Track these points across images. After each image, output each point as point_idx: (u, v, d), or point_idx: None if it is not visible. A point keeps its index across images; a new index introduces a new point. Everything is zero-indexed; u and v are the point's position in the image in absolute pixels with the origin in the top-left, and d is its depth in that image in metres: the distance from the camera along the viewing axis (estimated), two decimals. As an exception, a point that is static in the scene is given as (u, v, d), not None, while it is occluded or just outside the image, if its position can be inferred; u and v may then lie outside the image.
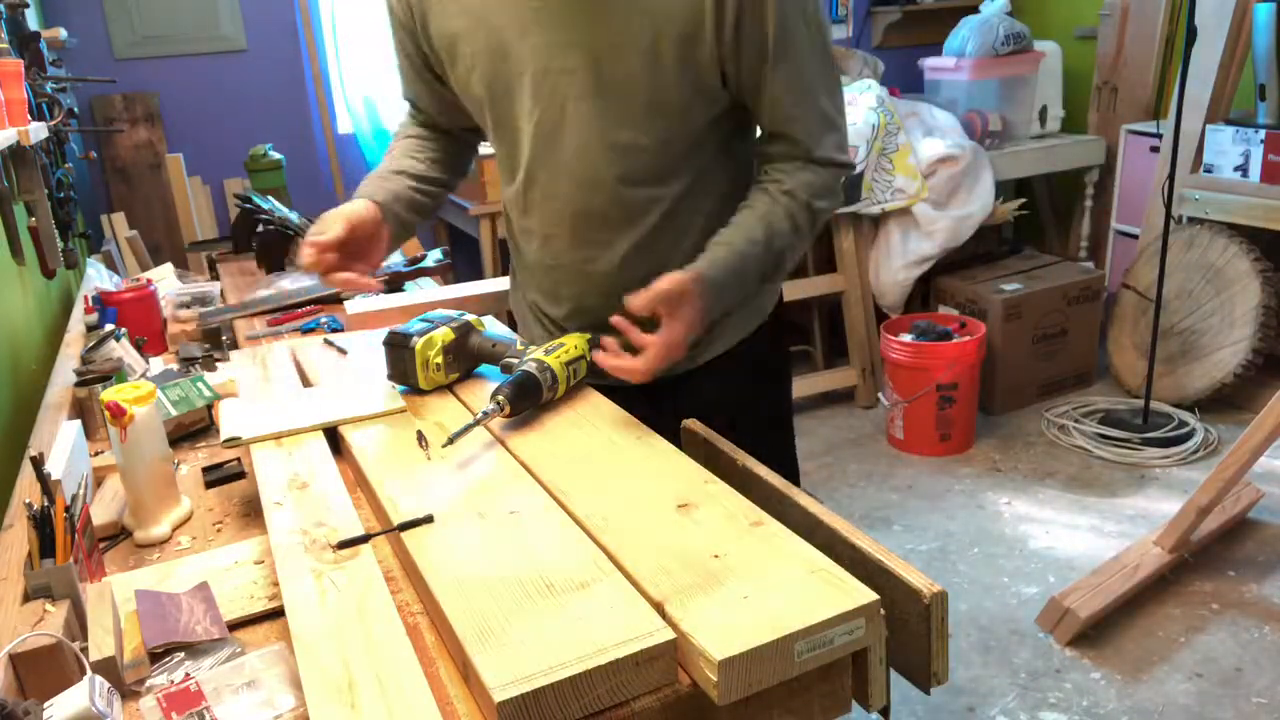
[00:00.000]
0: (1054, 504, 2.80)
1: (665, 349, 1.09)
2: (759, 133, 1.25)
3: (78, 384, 1.40)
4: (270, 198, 2.40)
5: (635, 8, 1.09)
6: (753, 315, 1.35)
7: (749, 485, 1.01)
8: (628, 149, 1.17)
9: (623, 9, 1.09)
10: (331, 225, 1.18)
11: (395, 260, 2.15)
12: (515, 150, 1.24)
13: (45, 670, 0.78)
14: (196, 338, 1.78)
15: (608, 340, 1.14)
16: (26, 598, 0.88)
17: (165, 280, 2.16)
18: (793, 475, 1.44)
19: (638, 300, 1.08)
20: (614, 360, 1.11)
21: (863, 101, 3.29)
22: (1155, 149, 3.49)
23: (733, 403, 1.33)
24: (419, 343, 1.25)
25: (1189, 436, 3.06)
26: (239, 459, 1.24)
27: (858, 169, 3.22)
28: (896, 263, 3.38)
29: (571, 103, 1.15)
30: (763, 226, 1.15)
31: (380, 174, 1.33)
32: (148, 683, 0.82)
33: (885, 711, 0.83)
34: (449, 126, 1.40)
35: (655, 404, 1.28)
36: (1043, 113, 3.76)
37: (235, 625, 0.90)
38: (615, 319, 1.11)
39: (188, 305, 1.92)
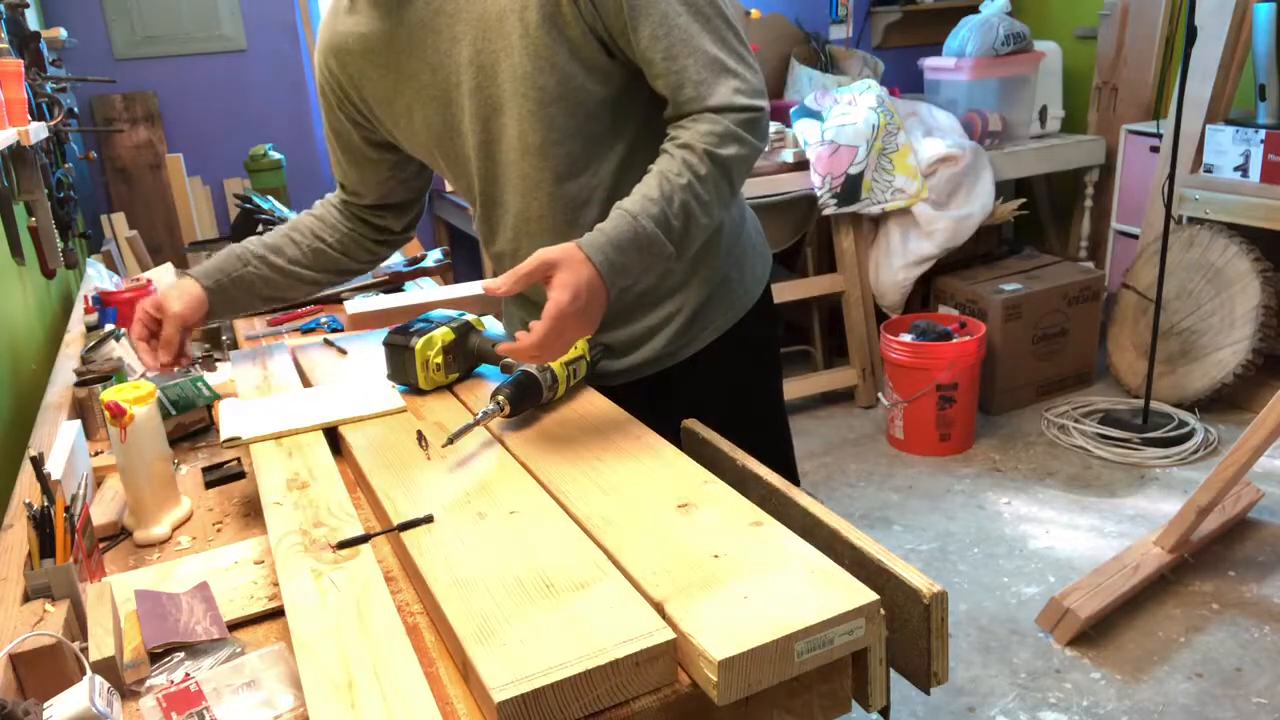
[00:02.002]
0: (1054, 504, 2.80)
1: (554, 320, 1.02)
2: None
3: (78, 384, 1.40)
4: (270, 198, 2.40)
5: (494, 6, 1.12)
6: (738, 301, 1.33)
7: (749, 485, 1.01)
8: (548, 145, 1.17)
9: (492, 12, 1.12)
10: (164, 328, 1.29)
11: (395, 260, 2.15)
12: (469, 182, 1.27)
13: (45, 670, 0.78)
14: (196, 338, 1.78)
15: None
16: (26, 598, 0.88)
17: (165, 280, 2.16)
18: (789, 465, 1.45)
19: (492, 282, 1.05)
20: (508, 345, 1.06)
21: (863, 101, 3.29)
22: (1155, 149, 3.49)
23: (727, 390, 1.34)
24: (419, 343, 1.25)
25: (1189, 436, 3.06)
26: (239, 459, 1.24)
27: (856, 169, 3.22)
28: (896, 263, 3.38)
29: (494, 116, 1.18)
30: (657, 182, 1.10)
31: (235, 253, 1.36)
32: (148, 683, 0.82)
33: (885, 711, 0.83)
34: (371, 201, 1.42)
35: (650, 400, 1.28)
36: (1043, 113, 3.76)
37: (235, 625, 0.90)
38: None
39: (188, 305, 1.91)
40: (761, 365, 1.41)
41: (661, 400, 1.30)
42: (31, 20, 2.20)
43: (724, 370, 1.34)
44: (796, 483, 1.44)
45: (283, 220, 2.21)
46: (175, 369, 1.31)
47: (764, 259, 1.41)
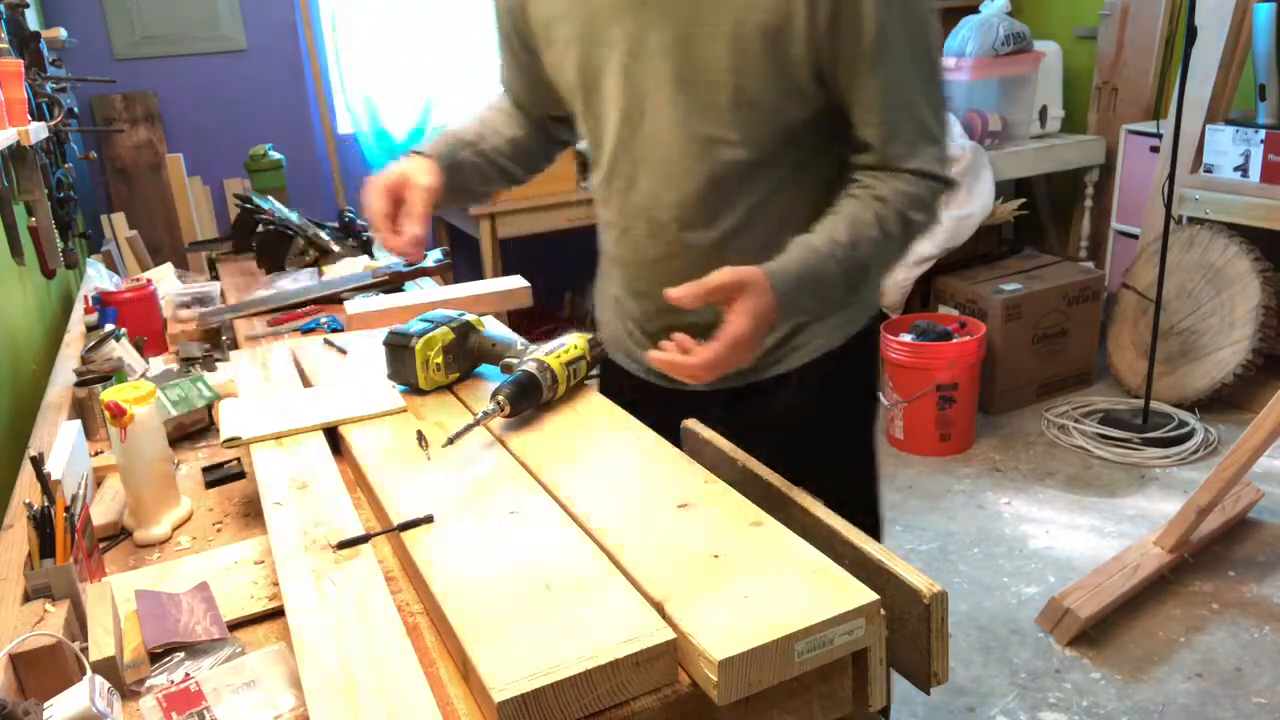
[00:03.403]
0: (1054, 504, 2.80)
1: (728, 346, 0.96)
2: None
3: (78, 384, 1.40)
4: (270, 198, 2.40)
5: None
6: (841, 327, 1.24)
7: (749, 485, 1.01)
8: (710, 144, 1.11)
9: None
10: (374, 198, 1.16)
11: (395, 260, 2.15)
12: (600, 139, 1.20)
13: (45, 670, 0.78)
14: (196, 338, 1.78)
15: (666, 342, 1.01)
16: (26, 598, 0.88)
17: (165, 280, 2.16)
18: (872, 524, 1.33)
19: (678, 292, 0.97)
20: (668, 357, 0.98)
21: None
22: (1155, 149, 3.49)
23: (814, 419, 1.24)
24: (419, 343, 1.25)
25: (1189, 436, 3.06)
26: (239, 459, 1.24)
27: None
28: (896, 263, 3.38)
29: (653, 93, 1.10)
30: (847, 227, 1.06)
31: (450, 137, 1.28)
32: (148, 683, 0.82)
33: (885, 711, 0.83)
34: (537, 113, 1.35)
35: (729, 412, 1.20)
36: (1043, 113, 3.76)
37: (235, 625, 0.90)
38: (676, 337, 1.00)
39: (188, 305, 1.92)
40: (855, 397, 1.31)
41: (738, 417, 1.20)
42: (31, 20, 2.20)
43: (811, 399, 1.24)
44: (878, 530, 1.36)
45: (283, 220, 2.22)
46: (422, 254, 1.19)
47: (874, 286, 1.31)
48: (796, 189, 1.14)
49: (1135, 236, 3.61)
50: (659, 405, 1.21)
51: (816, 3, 1.00)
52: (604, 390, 1.27)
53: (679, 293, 0.97)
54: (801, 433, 1.21)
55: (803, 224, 1.09)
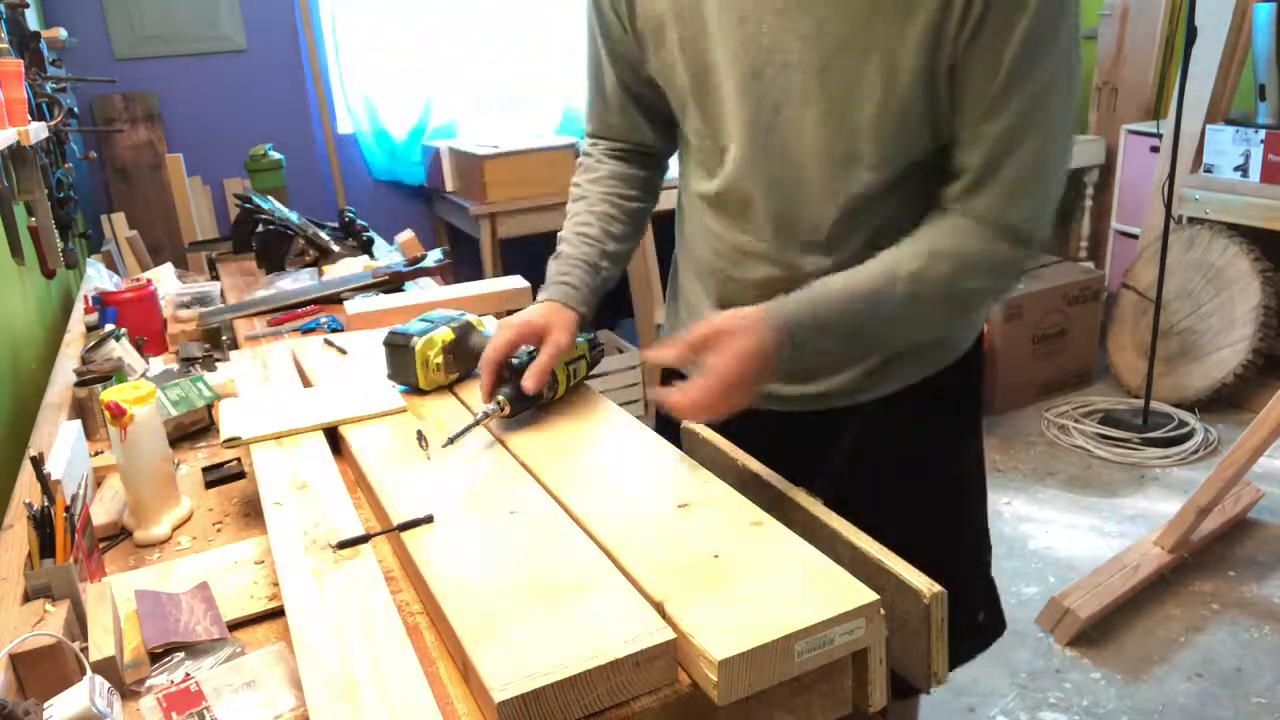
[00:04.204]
0: (1054, 504, 2.80)
1: (715, 386, 0.93)
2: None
3: (78, 384, 1.40)
4: (270, 198, 2.40)
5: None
6: (938, 352, 1.16)
7: (749, 485, 1.01)
8: (848, 164, 1.01)
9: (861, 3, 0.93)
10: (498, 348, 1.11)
11: (395, 260, 2.15)
12: (718, 151, 1.11)
13: (45, 670, 0.78)
14: (196, 338, 1.78)
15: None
16: (26, 598, 0.88)
17: (165, 280, 2.16)
18: (981, 545, 1.27)
19: (658, 353, 0.98)
20: (662, 391, 0.97)
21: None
22: (1155, 149, 3.49)
23: (911, 445, 1.17)
24: (419, 343, 1.25)
25: (1189, 436, 3.06)
26: (239, 459, 1.24)
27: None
28: (896, 263, 3.38)
29: (786, 106, 1.01)
30: (869, 289, 0.98)
31: (585, 258, 1.19)
32: (148, 683, 0.82)
33: (885, 712, 0.83)
34: (643, 147, 1.25)
35: (824, 435, 1.16)
36: (1043, 113, 3.75)
37: (235, 625, 0.90)
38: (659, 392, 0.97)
39: (188, 305, 1.92)
40: (955, 428, 1.24)
41: (826, 445, 1.16)
42: (31, 20, 2.20)
43: (907, 419, 1.16)
44: (987, 558, 1.35)
45: (283, 220, 2.21)
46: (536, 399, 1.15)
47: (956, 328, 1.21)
48: (909, 214, 1.04)
49: (1135, 236, 3.61)
50: (737, 422, 1.14)
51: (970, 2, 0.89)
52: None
53: (659, 354, 0.97)
54: (898, 454, 1.15)
55: None
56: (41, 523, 0.89)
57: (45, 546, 0.89)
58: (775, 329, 0.95)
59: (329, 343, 1.52)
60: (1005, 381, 3.34)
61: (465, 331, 1.30)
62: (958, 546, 1.29)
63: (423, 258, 2.04)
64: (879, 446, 1.16)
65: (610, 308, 3.80)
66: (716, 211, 1.15)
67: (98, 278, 2.17)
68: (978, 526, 1.33)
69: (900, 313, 1.00)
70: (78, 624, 0.85)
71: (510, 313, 1.51)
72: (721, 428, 1.13)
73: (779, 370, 0.97)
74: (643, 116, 1.22)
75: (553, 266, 1.20)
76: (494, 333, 1.14)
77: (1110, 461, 3.01)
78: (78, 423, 1.22)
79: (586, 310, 1.17)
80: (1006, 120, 0.93)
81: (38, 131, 1.63)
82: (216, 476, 1.21)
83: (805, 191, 1.05)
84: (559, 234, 1.23)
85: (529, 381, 1.10)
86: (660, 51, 1.10)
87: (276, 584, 0.91)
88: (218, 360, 1.64)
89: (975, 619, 1.33)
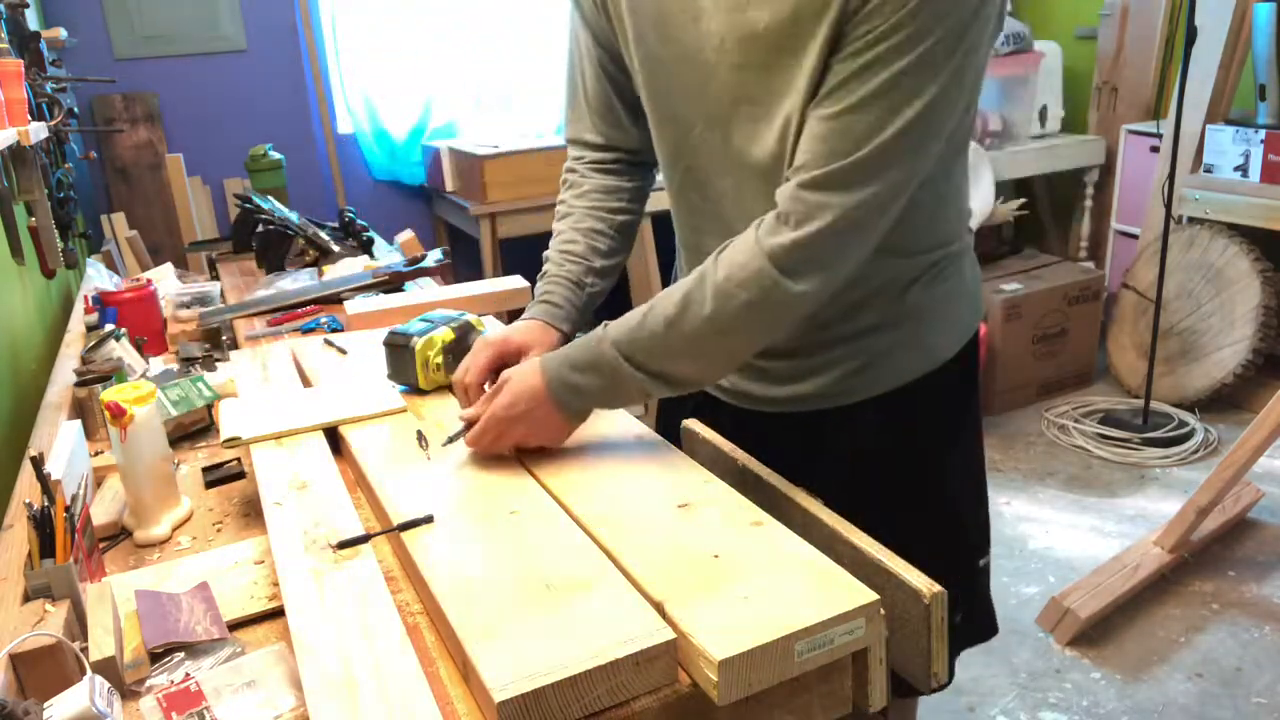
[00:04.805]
0: (1054, 504, 2.80)
1: (487, 419, 1.03)
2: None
3: (78, 384, 1.40)
4: (270, 198, 2.40)
5: None
6: (916, 354, 1.14)
7: (749, 485, 1.01)
8: (770, 162, 1.00)
9: None
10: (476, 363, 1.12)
11: (395, 260, 2.15)
12: (667, 148, 1.12)
13: (45, 670, 0.78)
14: (196, 338, 1.78)
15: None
16: (26, 598, 0.88)
17: (165, 280, 2.16)
18: (952, 560, 1.23)
19: (470, 414, 1.06)
20: (466, 413, 1.07)
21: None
22: (1155, 149, 3.49)
23: (905, 446, 1.17)
24: (419, 343, 1.25)
25: (1189, 436, 3.06)
26: (239, 459, 1.24)
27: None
28: (896, 263, 3.38)
29: (721, 109, 1.01)
30: (685, 290, 0.98)
31: (570, 276, 1.19)
32: (148, 683, 0.82)
33: (885, 712, 0.83)
34: (628, 152, 1.23)
35: (817, 437, 1.16)
36: (1043, 113, 3.75)
37: (235, 625, 0.90)
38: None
39: (188, 305, 1.92)
40: (950, 430, 1.22)
41: (815, 447, 1.15)
42: (31, 20, 2.20)
43: (898, 428, 1.16)
44: (986, 546, 1.37)
45: (283, 220, 2.21)
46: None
47: (974, 306, 1.19)
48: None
49: (1135, 236, 3.61)
50: (731, 422, 1.17)
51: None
52: (665, 402, 1.24)
53: (467, 412, 1.07)
54: (883, 458, 1.15)
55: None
56: (41, 523, 0.89)
57: (45, 546, 0.89)
58: (546, 370, 1.03)
59: (329, 343, 1.52)
60: (1005, 381, 3.34)
61: (465, 331, 1.30)
62: (944, 548, 1.26)
63: (423, 258, 2.04)
64: (875, 447, 1.16)
65: (610, 308, 3.80)
66: (679, 210, 1.18)
67: (98, 278, 2.17)
68: (970, 528, 1.33)
69: (713, 315, 0.96)
70: (78, 624, 0.85)
71: (511, 313, 1.52)
72: (719, 428, 1.14)
73: (568, 412, 1.04)
74: (625, 110, 1.20)
75: (538, 286, 1.21)
76: (471, 352, 1.13)
77: (1110, 461, 3.01)
78: (78, 423, 1.22)
79: (570, 328, 1.16)
80: (853, 74, 0.88)
81: (38, 131, 1.63)
82: (216, 476, 1.21)
83: (740, 191, 1.05)
84: (544, 253, 1.22)
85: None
86: (628, 44, 1.09)
87: (276, 584, 0.91)
88: (218, 360, 1.64)
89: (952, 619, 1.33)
